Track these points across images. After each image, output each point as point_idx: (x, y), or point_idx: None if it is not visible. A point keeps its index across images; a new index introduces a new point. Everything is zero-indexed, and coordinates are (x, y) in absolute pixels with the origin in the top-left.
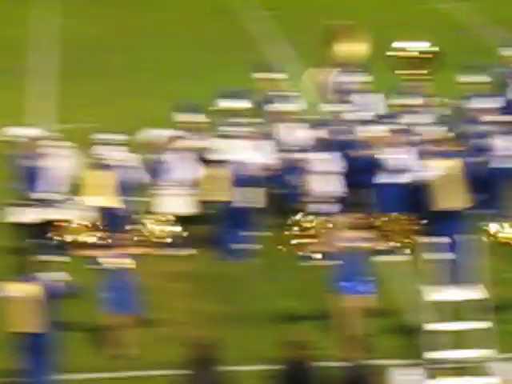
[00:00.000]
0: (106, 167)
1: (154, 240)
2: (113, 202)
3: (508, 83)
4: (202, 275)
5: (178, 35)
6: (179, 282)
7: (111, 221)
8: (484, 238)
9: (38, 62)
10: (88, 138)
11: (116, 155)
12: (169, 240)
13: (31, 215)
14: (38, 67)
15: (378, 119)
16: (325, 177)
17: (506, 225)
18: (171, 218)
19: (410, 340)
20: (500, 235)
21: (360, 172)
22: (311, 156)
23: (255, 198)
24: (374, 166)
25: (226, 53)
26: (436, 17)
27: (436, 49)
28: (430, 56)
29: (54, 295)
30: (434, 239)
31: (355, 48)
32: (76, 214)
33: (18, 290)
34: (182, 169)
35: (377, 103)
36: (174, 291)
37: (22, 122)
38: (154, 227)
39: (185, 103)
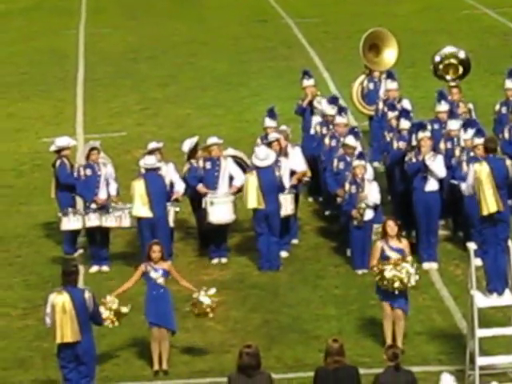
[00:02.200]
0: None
1: None
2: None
3: None
4: (238, 283)
5: (213, 44)
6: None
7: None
8: None
9: (71, 72)
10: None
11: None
12: None
13: (88, 223)
14: (72, 76)
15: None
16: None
17: None
18: None
19: (457, 345)
20: None
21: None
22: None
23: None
24: (422, 171)
25: (262, 60)
26: (473, 22)
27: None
28: (455, 62)
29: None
30: (484, 244)
31: (387, 55)
32: (129, 222)
33: (60, 300)
34: (222, 177)
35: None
36: None
37: (56, 131)
38: None
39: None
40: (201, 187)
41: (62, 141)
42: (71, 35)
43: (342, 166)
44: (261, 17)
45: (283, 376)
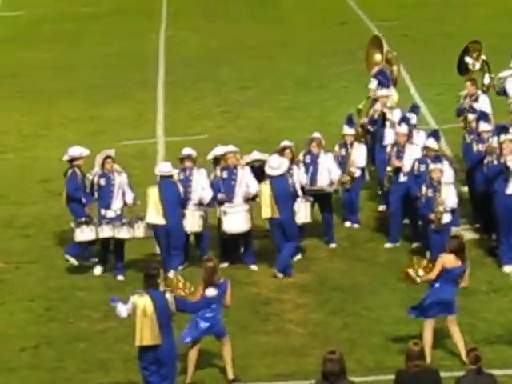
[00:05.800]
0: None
1: None
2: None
3: None
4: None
5: (293, 46)
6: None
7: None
8: None
9: (152, 74)
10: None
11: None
12: None
13: (101, 234)
14: (152, 79)
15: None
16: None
17: None
18: None
19: None
20: None
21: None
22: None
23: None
24: (503, 174)
25: (342, 63)
26: None
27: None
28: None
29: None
30: None
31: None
32: (143, 232)
33: (142, 303)
34: (239, 186)
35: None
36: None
37: (137, 134)
38: None
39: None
40: (221, 195)
41: (74, 150)
42: (152, 38)
43: (422, 168)
44: (341, 19)
45: (364, 379)
